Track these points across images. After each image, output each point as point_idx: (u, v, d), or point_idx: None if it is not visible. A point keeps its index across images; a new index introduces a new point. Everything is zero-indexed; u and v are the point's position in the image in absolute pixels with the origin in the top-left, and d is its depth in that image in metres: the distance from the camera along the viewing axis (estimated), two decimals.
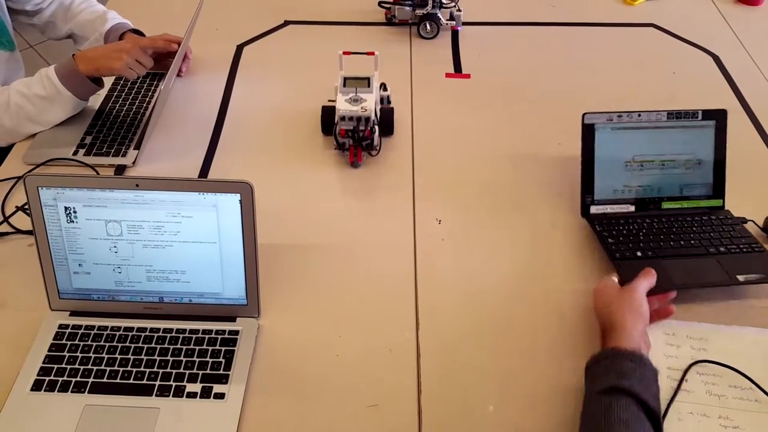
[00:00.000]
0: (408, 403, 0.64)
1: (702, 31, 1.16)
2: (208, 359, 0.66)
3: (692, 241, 0.76)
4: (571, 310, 0.72)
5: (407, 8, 1.14)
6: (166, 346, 0.67)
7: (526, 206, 0.84)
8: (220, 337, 0.68)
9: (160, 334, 0.68)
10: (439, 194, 0.86)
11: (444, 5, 1.14)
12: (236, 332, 0.69)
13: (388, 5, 1.17)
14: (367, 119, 0.86)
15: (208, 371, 0.65)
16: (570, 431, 0.62)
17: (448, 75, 1.07)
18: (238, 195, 0.64)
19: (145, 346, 0.67)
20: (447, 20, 1.15)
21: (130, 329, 0.69)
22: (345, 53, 0.90)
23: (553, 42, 1.14)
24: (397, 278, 0.76)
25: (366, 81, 0.90)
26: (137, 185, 0.64)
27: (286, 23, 1.18)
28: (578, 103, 1.00)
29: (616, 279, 0.70)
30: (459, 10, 1.15)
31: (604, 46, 1.13)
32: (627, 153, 0.80)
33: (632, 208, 0.80)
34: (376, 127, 0.88)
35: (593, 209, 0.80)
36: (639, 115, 0.79)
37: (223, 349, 0.67)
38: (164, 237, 0.67)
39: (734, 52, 1.11)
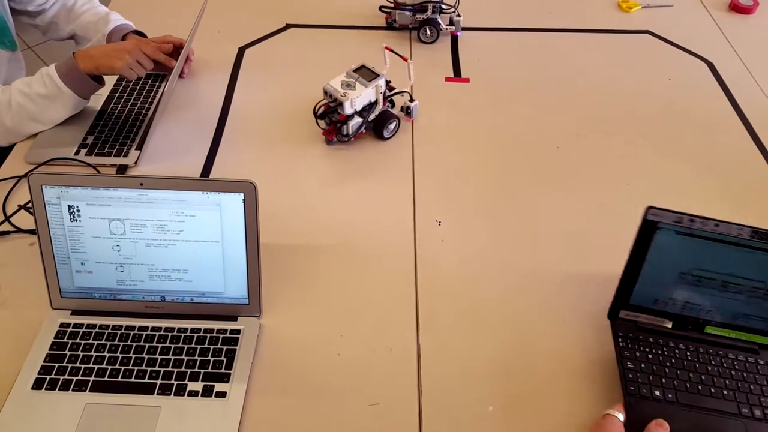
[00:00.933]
0: (409, 403, 0.64)
1: (697, 38, 1.17)
2: (209, 358, 0.67)
3: (725, 391, 0.62)
4: (570, 310, 0.73)
5: (407, 13, 1.15)
6: (167, 345, 0.68)
7: (526, 208, 0.85)
8: (221, 336, 0.69)
9: (162, 333, 0.69)
10: (439, 196, 0.86)
11: (444, 11, 1.15)
12: (238, 331, 0.69)
13: (388, 10, 1.18)
14: (340, 104, 0.88)
15: (209, 370, 0.66)
16: (570, 431, 0.63)
17: (447, 79, 1.08)
18: (242, 194, 0.65)
19: (147, 344, 0.68)
20: (447, 25, 1.16)
21: (132, 328, 0.69)
22: (387, 48, 0.92)
23: (550, 48, 1.15)
24: (397, 278, 0.76)
25: (374, 77, 0.90)
26: (141, 184, 0.64)
27: (288, 26, 1.19)
28: (576, 107, 1.02)
29: (621, 417, 0.60)
30: (459, 16, 1.16)
31: (601, 52, 1.14)
32: (686, 263, 0.65)
33: (669, 324, 0.68)
34: (356, 119, 0.90)
35: (623, 314, 0.68)
36: (716, 225, 0.64)
37: (225, 348, 0.68)
38: (167, 236, 0.67)
39: (728, 60, 1.13)
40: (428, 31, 1.15)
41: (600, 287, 0.76)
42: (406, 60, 0.93)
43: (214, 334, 0.69)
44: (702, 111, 1.02)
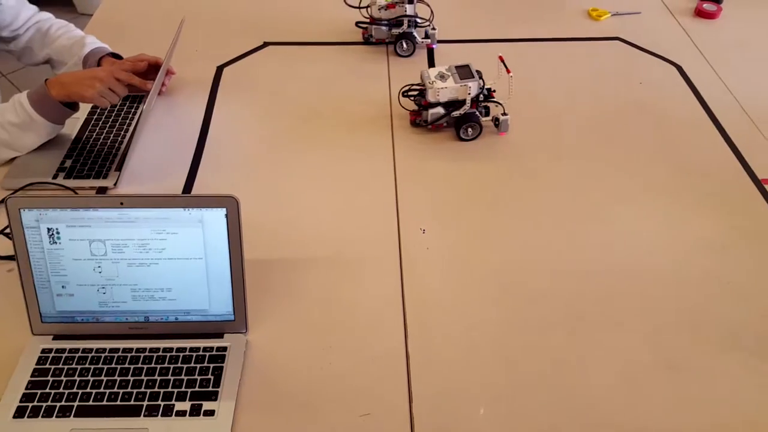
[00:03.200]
0: (400, 411, 0.64)
1: (665, 43, 1.21)
2: (196, 377, 0.66)
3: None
4: (551, 303, 0.74)
5: (383, 28, 1.16)
6: (152, 365, 0.66)
7: (507, 214, 0.86)
8: (207, 354, 0.68)
9: (147, 353, 0.68)
10: (422, 205, 0.87)
11: (419, 24, 1.17)
12: (224, 348, 0.68)
13: (364, 25, 1.19)
14: (426, 90, 0.94)
15: (196, 389, 0.65)
16: (559, 429, 0.63)
17: None
18: (224, 209, 0.65)
19: (132, 366, 0.66)
20: (422, 38, 1.18)
21: (116, 350, 0.68)
22: (500, 58, 0.98)
23: (525, 56, 1.17)
24: (383, 288, 0.76)
25: (469, 77, 0.94)
26: (122, 203, 0.64)
27: (266, 44, 1.20)
28: (552, 112, 1.04)
29: None
30: (433, 29, 1.18)
31: (574, 59, 1.17)
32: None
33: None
34: (438, 109, 0.96)
35: None
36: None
37: (212, 365, 0.67)
38: (149, 255, 0.66)
39: (696, 62, 1.16)
40: (404, 45, 1.16)
41: (588, 285, 0.77)
42: (509, 72, 0.96)
43: (201, 353, 0.68)
44: (673, 112, 1.05)
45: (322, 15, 1.27)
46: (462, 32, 1.23)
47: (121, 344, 0.68)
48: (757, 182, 0.92)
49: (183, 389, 0.64)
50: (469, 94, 0.94)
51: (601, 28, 1.26)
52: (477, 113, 0.97)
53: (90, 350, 0.68)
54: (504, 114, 0.97)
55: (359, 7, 1.19)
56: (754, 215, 0.87)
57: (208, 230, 0.66)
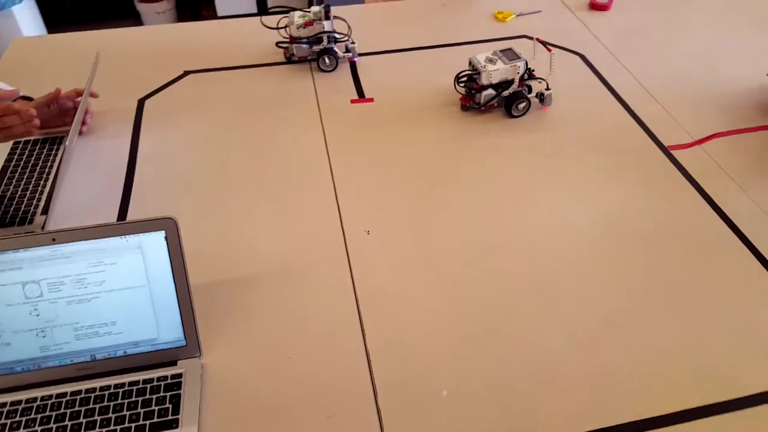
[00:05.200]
0: (366, 406, 0.65)
1: (566, 36, 1.30)
2: (153, 408, 0.63)
3: None
4: (496, 282, 0.77)
5: (304, 46, 1.18)
6: (105, 404, 0.64)
7: (441, 208, 0.89)
8: (162, 383, 0.66)
9: (98, 393, 0.65)
10: (363, 207, 0.89)
11: (338, 40, 1.20)
12: (179, 375, 0.67)
13: (285, 45, 1.21)
14: (479, 74, 1.03)
15: (155, 419, 0.62)
16: (521, 398, 0.65)
17: (353, 101, 1.12)
18: (163, 232, 0.64)
19: (83, 408, 0.63)
20: (344, 53, 1.21)
21: (63, 395, 0.65)
22: (537, 39, 1.09)
23: (442, 61, 1.22)
24: (335, 291, 0.77)
25: (515, 58, 1.03)
26: (54, 239, 0.62)
27: (186, 73, 1.19)
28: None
29: None
30: (353, 43, 1.21)
31: None
32: None
33: None
34: (490, 91, 1.04)
35: None
36: None
37: (168, 394, 0.65)
38: (89, 289, 0.64)
39: (596, 50, 1.25)
40: (327, 60, 1.19)
41: (527, 259, 0.81)
42: (550, 50, 1.05)
43: (155, 383, 0.66)
44: (584, 96, 1.12)
45: (241, 39, 1.28)
46: (380, 44, 1.28)
47: (69, 388, 0.65)
48: (665, 150, 1.00)
49: (141, 422, 0.62)
50: (518, 73, 1.03)
51: (507, 29, 1.33)
52: (523, 91, 1.05)
53: (34, 400, 0.64)
54: (548, 89, 1.07)
55: (277, 28, 1.21)
56: (667, 177, 0.95)
57: (149, 255, 0.64)
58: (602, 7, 1.39)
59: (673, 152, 1.00)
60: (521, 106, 1.06)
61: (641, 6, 1.41)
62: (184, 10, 2.95)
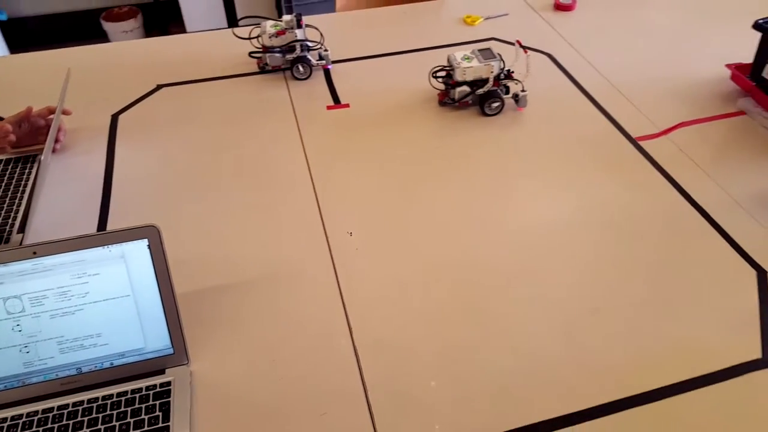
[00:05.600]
0: (358, 402, 0.65)
1: (533, 36, 1.33)
2: (143, 417, 0.63)
3: None
4: (482, 275, 0.78)
5: (277, 55, 1.19)
6: (94, 416, 0.63)
7: (423, 205, 0.91)
8: (151, 392, 0.65)
9: (85, 405, 0.64)
10: (344, 210, 0.90)
11: (311, 48, 1.21)
12: (168, 383, 0.66)
13: (258, 55, 1.22)
14: (453, 70, 1.07)
15: (146, 428, 0.62)
16: (507, 386, 0.67)
17: (329, 107, 1.13)
18: (146, 240, 0.64)
19: (71, 422, 0.63)
20: (317, 61, 1.22)
21: (50, 410, 0.64)
22: (517, 42, 1.12)
23: (415, 65, 1.24)
24: (321, 293, 0.78)
25: (491, 58, 1.06)
26: (35, 252, 0.61)
27: (159, 87, 1.19)
28: (442, 109, 1.11)
29: None
30: (326, 50, 1.23)
31: None
32: None
33: None
34: (465, 88, 1.08)
35: None
36: None
37: (158, 402, 0.64)
38: (72, 302, 0.64)
39: (563, 49, 1.29)
40: (301, 68, 1.20)
41: (510, 252, 0.83)
42: (526, 53, 1.08)
43: (144, 392, 0.65)
44: (553, 94, 1.16)
45: (213, 51, 1.28)
46: (353, 51, 1.29)
47: (55, 402, 0.64)
48: (633, 141, 1.04)
49: None
50: (492, 72, 1.05)
51: (476, 32, 1.36)
52: (499, 90, 1.07)
53: (19, 417, 0.63)
54: (523, 90, 1.08)
55: (249, 38, 1.22)
56: (635, 167, 0.98)
57: (132, 264, 0.64)
58: (566, 8, 1.43)
59: (641, 143, 1.03)
60: (494, 105, 1.08)
61: (603, 5, 1.46)
62: (152, 28, 2.94)
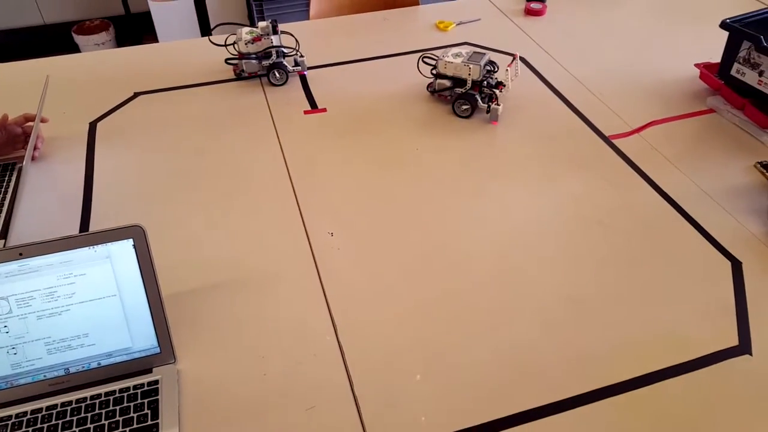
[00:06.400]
0: (344, 396, 0.67)
1: (505, 40, 1.38)
2: (132, 415, 0.64)
3: None
4: (461, 272, 0.81)
5: (253, 61, 1.21)
6: (83, 415, 0.64)
7: (400, 205, 0.94)
8: (139, 391, 0.66)
9: (74, 405, 0.65)
10: (325, 211, 0.92)
11: (287, 54, 1.24)
12: (155, 382, 0.67)
13: (234, 61, 1.24)
14: (436, 62, 1.11)
15: (135, 426, 0.63)
16: (490, 376, 0.69)
17: (306, 112, 1.15)
18: (131, 240, 0.65)
19: (60, 422, 0.63)
20: (293, 67, 1.24)
21: (39, 411, 0.64)
22: (514, 56, 1.18)
23: (389, 70, 1.28)
24: (304, 291, 0.79)
25: (479, 59, 1.07)
26: (21, 254, 0.62)
27: (136, 95, 1.20)
28: (423, 109, 1.14)
29: None
30: (302, 56, 1.25)
31: None
32: None
33: None
34: (444, 81, 1.11)
35: None
36: None
37: (146, 401, 0.65)
38: (59, 302, 0.65)
39: (534, 52, 1.34)
40: (277, 74, 1.22)
41: (490, 249, 0.86)
42: (509, 66, 1.14)
43: (132, 391, 0.66)
44: (527, 94, 1.20)
45: (189, 59, 1.30)
46: (329, 57, 1.32)
47: (44, 403, 0.65)
48: (606, 140, 1.08)
49: (121, 430, 0.63)
50: (470, 75, 1.07)
51: (450, 37, 1.41)
52: (476, 96, 1.09)
53: (8, 418, 0.64)
54: (498, 104, 1.09)
55: (225, 45, 1.23)
56: (610, 165, 1.02)
57: (118, 264, 0.65)
58: (537, 13, 1.48)
59: (614, 141, 1.08)
60: (463, 107, 1.11)
61: (572, 9, 1.52)
62: (124, 40, 2.92)
